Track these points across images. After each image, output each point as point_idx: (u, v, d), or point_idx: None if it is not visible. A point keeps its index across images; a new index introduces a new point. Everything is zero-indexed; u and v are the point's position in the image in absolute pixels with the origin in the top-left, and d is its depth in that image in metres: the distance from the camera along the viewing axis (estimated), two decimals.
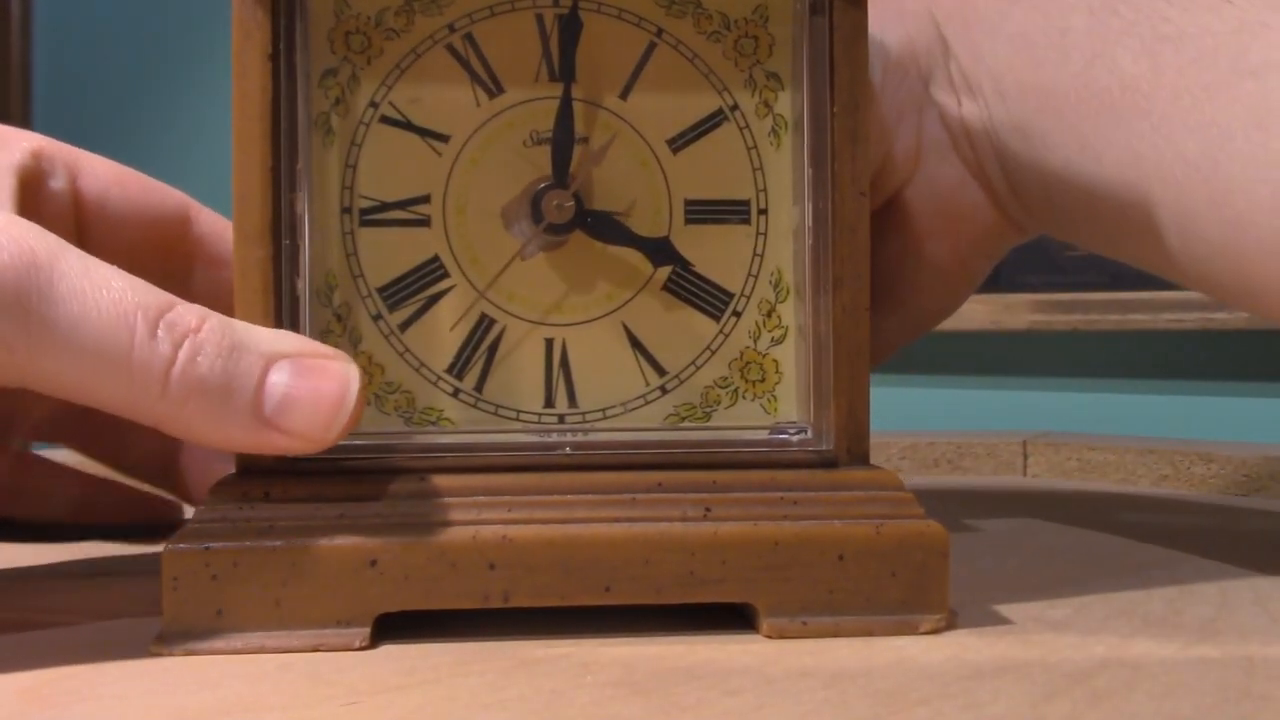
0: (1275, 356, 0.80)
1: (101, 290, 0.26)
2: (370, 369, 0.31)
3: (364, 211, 0.31)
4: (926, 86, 0.40)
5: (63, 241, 0.27)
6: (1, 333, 0.25)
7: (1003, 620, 0.31)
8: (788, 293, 0.33)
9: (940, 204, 0.40)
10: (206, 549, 0.28)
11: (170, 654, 0.27)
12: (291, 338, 0.28)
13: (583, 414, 0.32)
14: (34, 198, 0.32)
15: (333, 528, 0.28)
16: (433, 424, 0.31)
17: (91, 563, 0.39)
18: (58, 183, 0.33)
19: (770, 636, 0.29)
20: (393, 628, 0.29)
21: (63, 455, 0.43)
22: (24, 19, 1.61)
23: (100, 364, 0.26)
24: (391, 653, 0.28)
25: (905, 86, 0.39)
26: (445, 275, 0.32)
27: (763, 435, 0.32)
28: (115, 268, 0.27)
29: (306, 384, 0.27)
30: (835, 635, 0.29)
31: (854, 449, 0.32)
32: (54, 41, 1.62)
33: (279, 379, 0.27)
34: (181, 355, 0.26)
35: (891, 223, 0.41)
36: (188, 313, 0.27)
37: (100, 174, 0.35)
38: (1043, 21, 0.37)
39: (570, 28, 0.32)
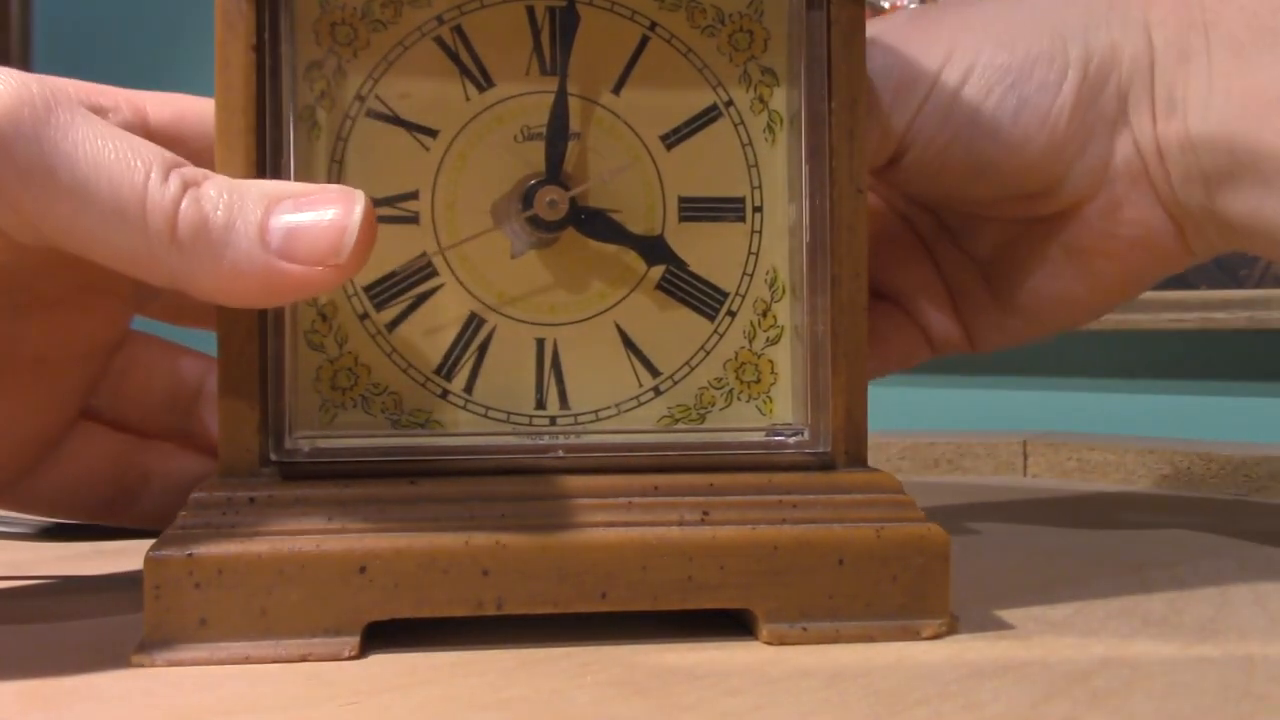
0: (1275, 356, 0.79)
1: (116, 139, 0.27)
2: (356, 370, 0.31)
3: None
4: (1124, 103, 0.37)
5: (72, 96, 0.28)
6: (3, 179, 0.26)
7: (1003, 621, 0.31)
8: (783, 292, 0.32)
9: (1121, 229, 0.38)
10: (190, 556, 0.27)
11: (152, 664, 0.26)
12: (291, 184, 0.28)
13: (575, 416, 0.31)
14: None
15: (320, 533, 0.28)
16: (421, 426, 0.31)
17: (91, 563, 0.39)
18: (120, 116, 0.32)
19: (770, 643, 0.29)
20: (381, 636, 0.28)
21: None
22: (23, 13, 1.61)
23: (114, 206, 0.26)
24: (382, 662, 0.27)
25: (1101, 102, 0.37)
26: (434, 274, 0.31)
27: (759, 437, 0.31)
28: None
29: (309, 214, 0.27)
30: (835, 641, 0.29)
31: (852, 451, 0.31)
32: (53, 41, 1.62)
33: (282, 212, 0.27)
34: (188, 196, 0.27)
35: (1061, 232, 0.39)
36: (195, 170, 0.28)
37: (166, 104, 0.34)
38: (1255, 22, 0.35)
39: (567, 21, 0.31)
